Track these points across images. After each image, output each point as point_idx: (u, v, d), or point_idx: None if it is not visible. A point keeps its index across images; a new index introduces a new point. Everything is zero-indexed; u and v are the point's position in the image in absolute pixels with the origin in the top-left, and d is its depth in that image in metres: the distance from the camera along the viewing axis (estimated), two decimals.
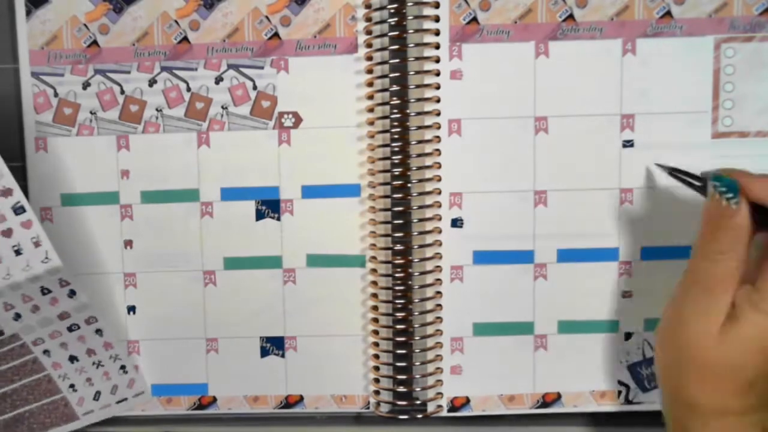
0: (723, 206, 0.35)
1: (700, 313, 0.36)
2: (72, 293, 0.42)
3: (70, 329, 0.43)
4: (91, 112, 0.45)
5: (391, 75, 0.44)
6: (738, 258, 0.35)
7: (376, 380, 0.46)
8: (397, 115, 0.44)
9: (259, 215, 0.46)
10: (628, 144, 0.44)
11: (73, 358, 0.44)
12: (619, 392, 0.46)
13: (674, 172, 0.40)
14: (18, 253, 0.41)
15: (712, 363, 0.35)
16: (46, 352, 0.43)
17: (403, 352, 0.45)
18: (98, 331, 0.43)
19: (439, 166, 0.45)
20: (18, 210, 0.41)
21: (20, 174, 0.46)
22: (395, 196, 0.45)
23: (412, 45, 0.44)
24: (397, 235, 0.45)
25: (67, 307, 0.42)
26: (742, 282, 0.36)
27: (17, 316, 0.42)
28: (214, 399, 0.47)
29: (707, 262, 0.36)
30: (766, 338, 0.34)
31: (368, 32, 0.44)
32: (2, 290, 0.41)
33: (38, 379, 0.44)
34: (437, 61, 0.44)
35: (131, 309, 0.46)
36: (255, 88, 0.45)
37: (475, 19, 0.44)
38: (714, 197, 0.36)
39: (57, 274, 0.41)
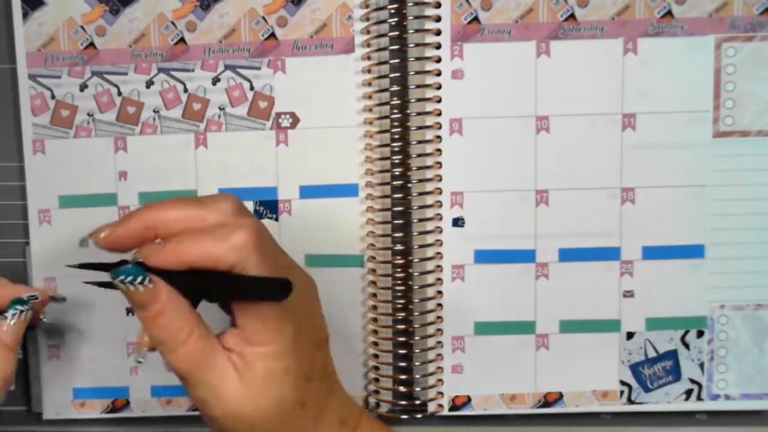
0: (141, 293, 0.36)
1: (215, 392, 0.37)
2: None
3: None
4: (88, 114, 0.48)
5: (391, 75, 0.46)
6: (193, 329, 0.36)
7: (376, 380, 0.49)
8: (398, 115, 0.47)
9: (258, 216, 0.48)
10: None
11: None
12: (621, 392, 0.49)
13: (85, 267, 0.39)
14: None
15: (257, 411, 0.37)
16: None
17: (404, 351, 0.48)
18: None
19: (440, 166, 0.47)
20: None
21: (18, 176, 0.48)
22: (395, 196, 0.48)
23: (412, 45, 0.46)
24: (397, 234, 0.48)
25: None
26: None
27: None
28: None
29: (173, 354, 0.37)
30: (281, 363, 0.37)
31: (366, 32, 0.47)
32: None
33: None
34: (438, 60, 0.47)
35: (130, 310, 0.49)
36: (252, 88, 0.48)
37: (476, 19, 0.47)
38: (129, 291, 0.36)
39: None
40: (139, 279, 0.35)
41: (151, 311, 0.36)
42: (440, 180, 0.48)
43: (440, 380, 0.49)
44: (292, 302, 0.36)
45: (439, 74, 0.47)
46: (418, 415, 0.49)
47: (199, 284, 0.36)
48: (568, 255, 0.48)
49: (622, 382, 0.49)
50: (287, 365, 0.37)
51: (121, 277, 0.36)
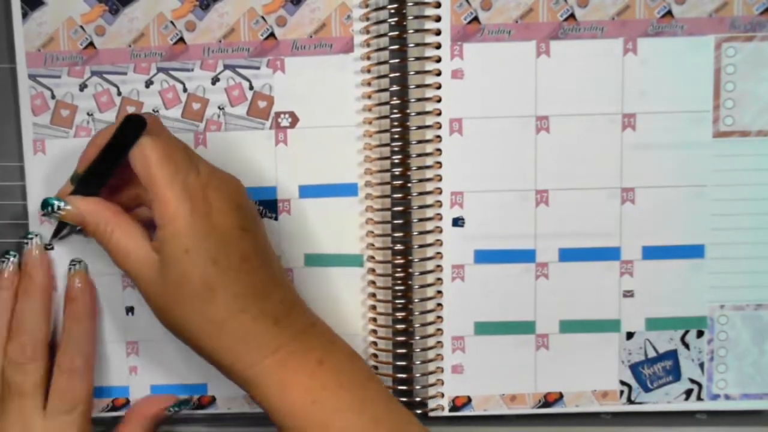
0: (67, 214, 0.44)
1: (142, 280, 0.43)
2: None
3: None
4: (88, 114, 0.48)
5: (391, 75, 0.47)
6: (114, 227, 0.43)
7: None
8: (398, 115, 0.47)
9: None
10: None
11: None
12: (621, 392, 0.49)
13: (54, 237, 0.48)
14: None
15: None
16: None
17: (404, 351, 0.49)
18: None
19: (440, 166, 0.48)
20: None
21: (18, 176, 0.49)
22: (395, 195, 0.48)
23: (412, 45, 0.47)
24: (397, 234, 0.48)
25: None
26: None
27: None
28: (214, 399, 0.50)
29: (107, 250, 0.44)
30: (181, 242, 0.41)
31: (366, 32, 0.47)
32: None
33: None
34: (438, 60, 0.47)
35: (130, 310, 0.49)
36: (251, 88, 0.48)
37: (476, 19, 0.47)
38: (60, 216, 0.44)
39: None
40: (58, 205, 0.44)
41: (83, 223, 0.44)
42: (440, 180, 0.48)
43: (440, 380, 0.49)
44: (190, 190, 0.41)
45: (439, 74, 0.47)
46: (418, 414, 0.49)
47: (101, 165, 0.44)
48: (568, 255, 0.48)
49: (622, 382, 0.49)
50: (186, 246, 0.41)
51: (47, 209, 0.44)
